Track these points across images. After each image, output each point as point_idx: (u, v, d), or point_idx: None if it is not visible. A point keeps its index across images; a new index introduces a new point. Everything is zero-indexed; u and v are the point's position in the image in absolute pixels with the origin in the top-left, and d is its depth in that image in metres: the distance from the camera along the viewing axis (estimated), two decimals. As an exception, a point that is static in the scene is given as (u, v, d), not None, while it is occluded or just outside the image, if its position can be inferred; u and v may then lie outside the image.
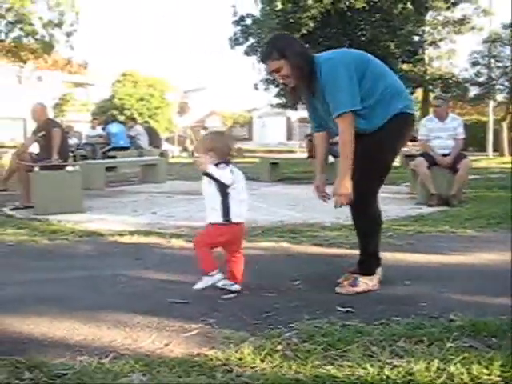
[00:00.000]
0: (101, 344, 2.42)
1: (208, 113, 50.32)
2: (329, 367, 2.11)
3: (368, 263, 3.31)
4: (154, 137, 14.42)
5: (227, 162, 3.15)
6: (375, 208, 3.32)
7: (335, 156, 10.73)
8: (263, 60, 3.25)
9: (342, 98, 3.03)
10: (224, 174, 3.10)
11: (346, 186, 3.11)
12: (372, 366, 2.10)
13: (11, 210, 6.87)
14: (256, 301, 3.04)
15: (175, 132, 33.57)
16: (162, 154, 13.57)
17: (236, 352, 2.25)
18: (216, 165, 3.10)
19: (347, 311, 2.81)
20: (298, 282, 3.41)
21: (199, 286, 3.19)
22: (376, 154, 3.17)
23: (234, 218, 3.16)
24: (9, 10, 12.68)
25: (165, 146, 21.69)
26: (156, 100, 34.93)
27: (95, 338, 2.50)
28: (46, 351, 2.33)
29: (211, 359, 2.19)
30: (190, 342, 2.40)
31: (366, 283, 3.21)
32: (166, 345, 2.38)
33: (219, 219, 3.15)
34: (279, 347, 2.31)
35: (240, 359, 2.18)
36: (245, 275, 3.41)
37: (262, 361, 2.18)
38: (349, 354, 2.22)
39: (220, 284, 3.21)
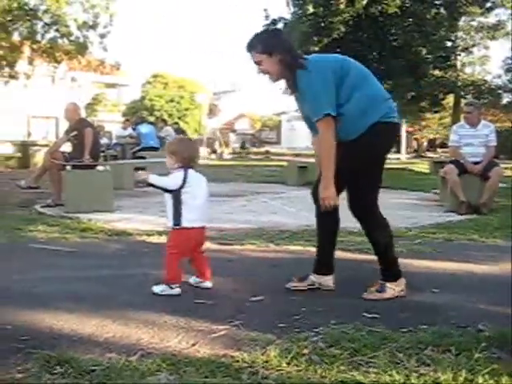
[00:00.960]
0: (129, 342, 2.45)
1: (237, 115, 50.50)
2: (354, 373, 2.11)
3: (391, 270, 3.29)
4: (182, 138, 14.50)
5: (187, 167, 3.22)
6: (380, 216, 3.28)
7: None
8: (248, 49, 3.23)
9: (319, 103, 3.04)
10: (170, 179, 3.20)
11: (330, 189, 3.11)
12: (398, 373, 2.09)
13: (42, 207, 7.00)
14: (282, 304, 3.05)
15: (204, 134, 33.76)
16: (191, 156, 13.65)
17: (262, 354, 2.26)
18: (175, 168, 3.21)
19: (373, 317, 2.80)
20: (325, 287, 3.40)
21: (156, 289, 3.20)
22: (360, 164, 3.16)
23: (186, 223, 3.18)
24: (45, 11, 12.95)
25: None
26: (186, 101, 35.21)
27: (123, 335, 2.54)
28: (76, 347, 2.37)
29: (237, 361, 2.21)
30: (217, 343, 2.43)
31: (393, 289, 3.20)
32: (193, 345, 2.41)
33: (171, 223, 3.22)
34: (305, 351, 2.31)
35: (266, 362, 2.20)
36: (272, 278, 3.43)
37: (288, 364, 2.18)
38: (375, 361, 2.22)
39: (191, 281, 3.34)
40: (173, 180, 3.19)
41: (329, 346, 2.39)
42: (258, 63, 3.18)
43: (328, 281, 3.36)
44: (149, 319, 2.74)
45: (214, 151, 28.51)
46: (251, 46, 3.19)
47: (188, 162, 3.25)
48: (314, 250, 4.52)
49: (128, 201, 7.70)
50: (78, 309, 2.91)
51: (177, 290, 3.19)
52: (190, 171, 3.23)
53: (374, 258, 4.24)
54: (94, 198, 6.60)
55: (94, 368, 2.14)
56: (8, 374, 2.10)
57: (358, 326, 2.63)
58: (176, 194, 3.18)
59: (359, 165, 3.16)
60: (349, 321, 2.71)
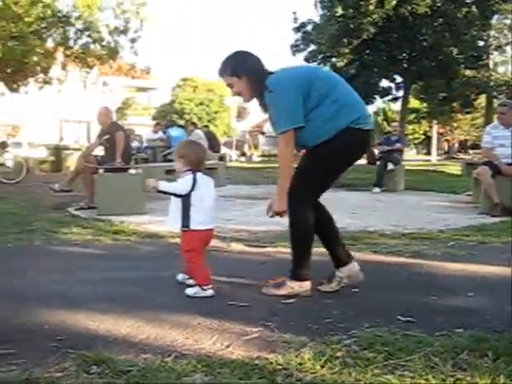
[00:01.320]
0: (163, 343, 2.48)
1: (266, 118, 50.42)
2: (389, 376, 2.09)
3: (296, 269, 3.27)
4: (213, 141, 14.55)
5: (195, 170, 3.26)
6: (306, 216, 3.25)
7: (395, 163, 10.61)
8: (219, 74, 3.37)
9: (281, 117, 3.14)
10: (179, 184, 3.24)
11: (282, 204, 3.21)
12: (434, 377, 2.07)
13: (76, 210, 7.12)
14: (315, 307, 3.04)
15: (233, 136, 33.89)
16: (222, 158, 13.72)
17: (296, 357, 2.26)
18: (184, 171, 3.27)
19: (408, 321, 2.77)
20: (357, 290, 3.39)
21: (189, 292, 3.25)
22: (315, 165, 3.23)
23: (194, 226, 3.23)
24: (78, 18, 13.19)
25: (223, 150, 21.92)
26: (215, 105, 35.43)
27: (157, 337, 2.56)
28: (111, 347, 2.41)
29: (271, 363, 2.21)
30: (251, 345, 2.43)
31: (291, 287, 3.22)
32: (227, 347, 2.42)
33: (178, 225, 3.28)
34: (339, 354, 2.30)
35: (300, 364, 2.19)
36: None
37: (322, 367, 2.18)
38: (410, 365, 2.19)
39: (179, 278, 3.46)
40: (182, 185, 3.23)
41: (363, 349, 2.37)
42: (229, 86, 3.33)
43: (352, 268, 3.37)
44: (182, 321, 2.77)
45: (244, 154, 28.60)
46: (222, 70, 3.33)
47: (196, 164, 3.31)
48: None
49: (159, 203, 7.72)
50: (112, 310, 2.95)
51: (210, 292, 3.22)
52: (199, 174, 3.28)
53: (407, 261, 4.22)
54: (126, 200, 6.69)
55: (130, 368, 2.16)
56: (47, 373, 2.14)
57: (391, 329, 2.61)
58: (184, 197, 3.23)
59: (320, 166, 3.22)
60: (382, 324, 2.69)
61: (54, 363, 2.23)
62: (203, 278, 3.24)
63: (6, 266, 4.13)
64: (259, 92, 3.25)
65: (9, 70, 13.18)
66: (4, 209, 7.09)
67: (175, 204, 3.28)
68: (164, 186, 3.26)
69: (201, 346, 2.42)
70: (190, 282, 3.39)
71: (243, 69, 3.25)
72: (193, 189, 3.21)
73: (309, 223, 3.25)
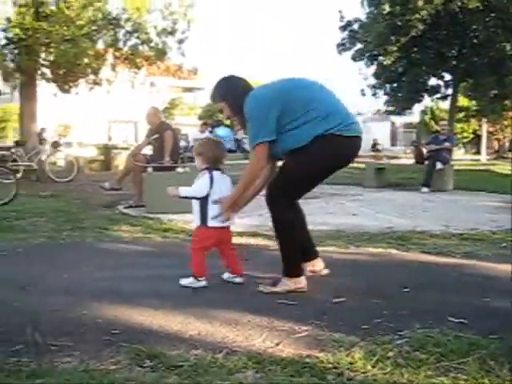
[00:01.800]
0: (213, 339, 2.51)
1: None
2: (443, 378, 2.06)
3: (287, 266, 3.34)
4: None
5: (212, 168, 3.40)
6: (287, 216, 3.32)
7: (443, 162, 10.40)
8: (211, 101, 3.61)
9: (253, 131, 3.26)
10: (198, 188, 3.39)
11: (227, 209, 3.36)
12: (490, 381, 2.02)
13: (125, 208, 7.27)
14: (365, 306, 3.02)
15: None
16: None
17: (347, 356, 2.25)
18: (203, 169, 3.42)
19: (460, 322, 2.72)
20: (407, 290, 3.34)
21: (184, 282, 3.42)
22: (293, 169, 3.30)
23: (211, 223, 3.37)
24: (127, 20, 13.42)
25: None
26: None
27: (208, 333, 2.59)
28: (163, 343, 2.45)
29: (322, 361, 2.21)
30: (300, 343, 2.44)
31: (287, 285, 3.30)
32: (277, 344, 2.43)
33: (198, 223, 3.44)
34: (390, 354, 2.28)
35: (351, 363, 2.19)
36: (353, 280, 3.39)
37: (373, 367, 2.16)
38: (464, 367, 2.15)
39: (225, 277, 3.54)
40: (201, 188, 3.37)
41: (414, 349, 2.35)
42: (220, 111, 3.58)
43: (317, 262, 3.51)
44: (232, 318, 2.79)
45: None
46: (212, 97, 3.57)
47: (213, 162, 3.43)
48: (395, 252, 4.50)
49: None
50: (162, 306, 3.00)
51: (203, 283, 3.40)
52: (215, 173, 3.40)
53: (458, 261, 4.14)
54: (175, 199, 6.75)
55: (181, 363, 2.20)
56: (102, 365, 2.20)
57: (443, 330, 2.57)
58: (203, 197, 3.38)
59: (298, 170, 3.29)
60: (434, 325, 2.65)
61: (108, 356, 2.30)
62: (200, 270, 3.42)
63: (60, 261, 4.25)
64: (241, 112, 3.37)
65: (61, 72, 13.52)
66: (56, 207, 7.30)
67: (196, 204, 3.44)
68: (184, 191, 3.44)
69: (251, 343, 2.44)
70: (237, 280, 3.46)
71: (231, 94, 3.43)
72: (211, 188, 3.35)
73: (290, 222, 3.34)
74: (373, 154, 23.05)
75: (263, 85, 3.53)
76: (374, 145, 32.50)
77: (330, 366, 2.17)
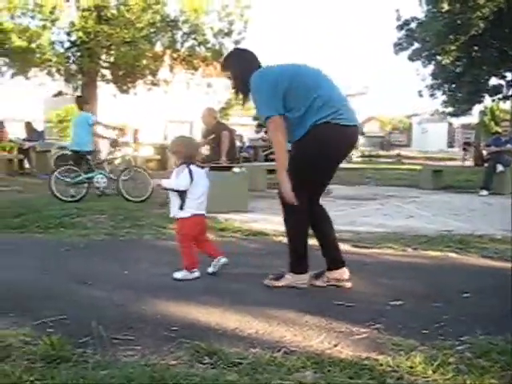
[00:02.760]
0: (271, 338, 2.52)
1: (366, 118, 49.67)
2: (509, 387, 2.01)
3: (293, 261, 3.43)
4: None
5: (189, 163, 3.62)
6: (298, 212, 3.34)
7: (505, 165, 10.07)
8: (221, 69, 3.75)
9: (261, 107, 3.36)
10: (180, 181, 3.59)
11: (285, 184, 3.29)
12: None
13: (182, 207, 7.36)
14: (424, 310, 2.97)
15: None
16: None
17: (406, 360, 2.22)
18: (179, 164, 3.65)
19: (524, 330, 2.63)
20: (468, 295, 3.27)
21: (177, 276, 3.60)
22: (296, 164, 3.31)
23: (187, 213, 3.63)
24: (185, 22, 13.67)
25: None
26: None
27: (265, 332, 2.61)
28: (221, 340, 2.48)
29: (381, 364, 2.18)
30: (359, 345, 2.42)
31: (289, 279, 3.41)
32: (335, 345, 2.42)
33: (177, 213, 3.66)
34: (451, 360, 2.24)
35: (411, 367, 2.16)
36: (411, 283, 3.34)
37: (434, 372, 2.13)
38: (531, 378, 2.09)
39: (211, 270, 3.70)
40: (183, 182, 3.59)
41: (476, 356, 2.29)
42: (229, 78, 3.65)
43: (342, 273, 3.45)
44: (289, 317, 2.80)
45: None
46: (222, 66, 3.71)
47: (188, 158, 3.66)
48: (454, 256, 4.40)
49: (262, 202, 7.87)
50: (219, 304, 3.04)
51: (196, 274, 3.61)
52: (192, 167, 3.63)
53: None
54: (231, 198, 6.82)
55: (240, 361, 2.22)
56: (163, 360, 2.25)
57: (508, 338, 2.49)
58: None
59: (301, 163, 3.31)
60: (497, 332, 2.58)
61: (169, 351, 2.35)
62: (190, 262, 3.63)
63: (120, 257, 4.36)
64: (245, 87, 3.49)
65: (120, 73, 13.89)
66: (116, 205, 7.47)
67: (174, 195, 3.67)
68: (166, 183, 3.71)
69: (309, 344, 2.44)
70: (223, 260, 3.71)
71: (238, 64, 3.58)
72: (192, 180, 3.57)
73: (301, 219, 3.39)
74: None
75: (267, 66, 3.57)
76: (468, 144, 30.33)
77: (390, 369, 2.15)
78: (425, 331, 2.60)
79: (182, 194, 3.62)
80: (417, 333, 2.57)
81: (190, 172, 3.59)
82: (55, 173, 8.01)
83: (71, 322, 2.70)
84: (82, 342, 2.41)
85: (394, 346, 2.40)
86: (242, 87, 3.55)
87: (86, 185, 8.17)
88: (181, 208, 3.63)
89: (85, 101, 9.29)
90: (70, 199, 7.76)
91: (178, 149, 3.72)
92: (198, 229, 3.71)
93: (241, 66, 3.55)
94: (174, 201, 3.68)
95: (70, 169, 8.33)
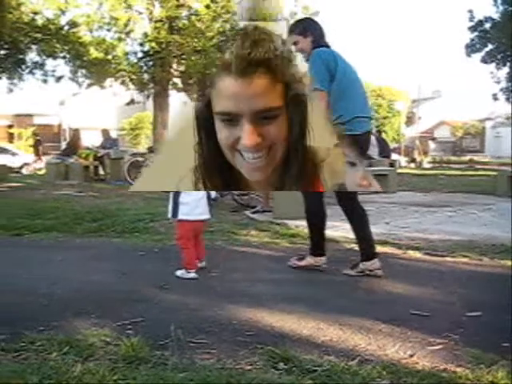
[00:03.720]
0: (345, 347, 2.52)
1: (437, 123, 48.39)
2: None
3: (314, 245, 4.08)
4: (384, 146, 14.30)
5: None
6: (318, 202, 4.08)
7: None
8: (289, 32, 3.93)
9: (314, 77, 3.54)
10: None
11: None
12: None
13: (252, 213, 7.44)
14: (502, 323, 2.87)
15: (401, 142, 33.00)
16: (392, 165, 13.41)
17: (487, 374, 2.16)
18: None
19: None
20: (550, 308, 3.13)
21: (177, 273, 3.84)
22: None
23: (182, 216, 3.84)
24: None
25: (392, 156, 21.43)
26: (383, 110, 34.79)
27: (340, 340, 2.61)
28: (296, 347, 2.50)
29: (460, 377, 2.14)
30: (436, 357, 2.38)
31: (308, 260, 4.06)
32: (411, 356, 2.39)
33: (171, 216, 3.89)
34: (537, 376, 2.15)
35: (492, 382, 2.09)
36: (489, 294, 3.25)
37: (517, 387, 2.06)
38: None
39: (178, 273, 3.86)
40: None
41: None
42: (295, 43, 3.80)
43: (373, 264, 3.82)
44: (364, 325, 2.78)
45: (413, 160, 27.68)
46: (291, 30, 3.90)
47: None
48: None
49: (333, 209, 7.79)
50: (293, 310, 3.06)
51: (192, 275, 3.81)
52: None
53: None
54: (301, 204, 6.80)
55: (315, 368, 2.23)
56: (238, 365, 2.29)
57: None
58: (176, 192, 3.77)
59: None
60: None
61: (243, 356, 2.39)
62: (189, 262, 3.85)
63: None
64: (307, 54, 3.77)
65: (191, 82, 14.21)
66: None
67: (170, 197, 3.85)
68: None
69: (384, 353, 2.42)
70: (200, 264, 3.96)
71: (309, 30, 3.84)
72: None
73: (320, 209, 4.06)
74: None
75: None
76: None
77: (469, 382, 2.10)
78: (506, 344, 2.51)
79: (175, 197, 3.81)
80: (497, 346, 2.49)
81: None
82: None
83: (149, 324, 2.79)
84: (160, 345, 2.49)
85: (473, 358, 2.34)
86: (306, 54, 3.79)
87: None
88: (173, 211, 3.85)
89: None
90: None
91: None
92: (192, 232, 3.92)
93: (316, 34, 3.83)
94: (170, 203, 3.88)
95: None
